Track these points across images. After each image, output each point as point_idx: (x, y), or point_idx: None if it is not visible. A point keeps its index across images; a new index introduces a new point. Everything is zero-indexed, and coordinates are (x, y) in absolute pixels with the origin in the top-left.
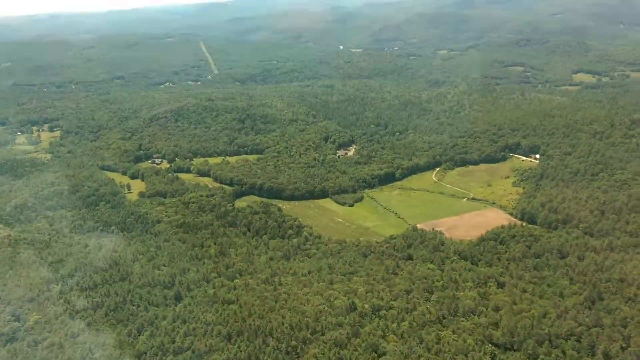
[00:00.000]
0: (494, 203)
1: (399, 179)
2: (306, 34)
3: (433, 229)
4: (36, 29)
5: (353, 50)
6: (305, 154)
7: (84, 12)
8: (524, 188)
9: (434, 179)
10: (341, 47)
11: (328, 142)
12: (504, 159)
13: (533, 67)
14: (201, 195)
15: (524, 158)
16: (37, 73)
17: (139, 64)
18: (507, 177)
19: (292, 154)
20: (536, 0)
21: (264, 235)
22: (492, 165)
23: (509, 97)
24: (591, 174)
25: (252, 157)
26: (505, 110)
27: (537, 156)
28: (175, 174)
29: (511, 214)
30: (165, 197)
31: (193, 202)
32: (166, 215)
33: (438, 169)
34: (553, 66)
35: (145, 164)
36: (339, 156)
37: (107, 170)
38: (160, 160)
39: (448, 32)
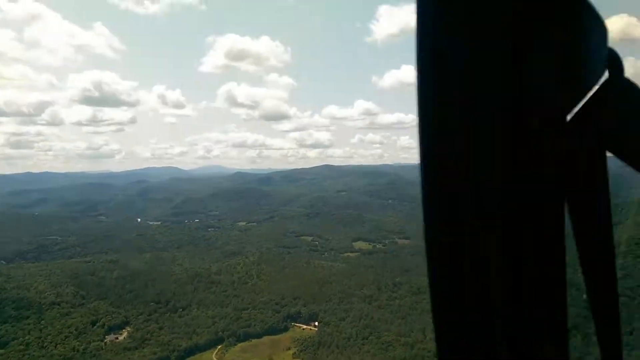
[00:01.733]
0: None
1: None
2: (101, 207)
3: None
4: None
5: (151, 222)
6: (63, 344)
7: None
8: (302, 359)
9: (214, 359)
10: (139, 219)
11: (96, 327)
12: (286, 329)
13: (320, 236)
14: None
15: (305, 327)
16: None
17: None
18: (289, 349)
19: (45, 345)
20: (324, 179)
21: None
22: (274, 337)
23: (295, 265)
24: (362, 338)
25: None
26: (289, 278)
27: (316, 323)
28: None
29: None
30: None
31: None
32: None
33: (220, 346)
34: (337, 235)
35: None
36: (106, 342)
37: None
38: None
39: (248, 206)
